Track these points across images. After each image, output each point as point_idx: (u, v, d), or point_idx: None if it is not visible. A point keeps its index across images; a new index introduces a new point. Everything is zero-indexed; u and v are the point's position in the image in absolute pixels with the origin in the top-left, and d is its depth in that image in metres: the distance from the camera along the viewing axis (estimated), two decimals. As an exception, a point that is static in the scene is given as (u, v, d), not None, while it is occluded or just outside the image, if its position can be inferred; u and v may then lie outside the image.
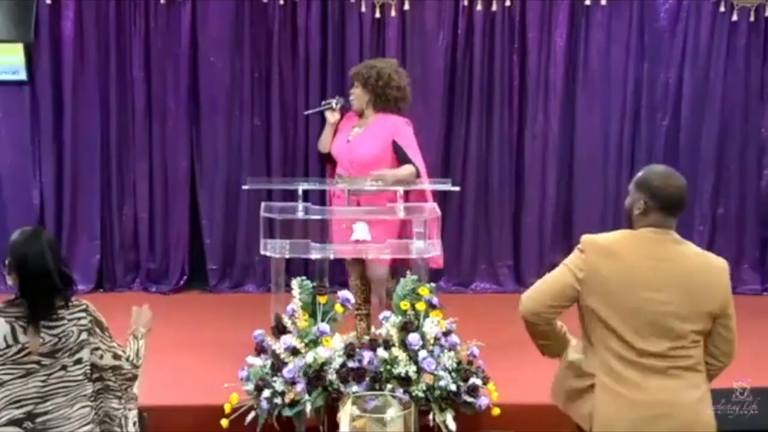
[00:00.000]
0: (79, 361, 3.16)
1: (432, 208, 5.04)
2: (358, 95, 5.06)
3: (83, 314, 3.17)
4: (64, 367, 3.14)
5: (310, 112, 5.60)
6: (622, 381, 3.05)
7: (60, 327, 3.12)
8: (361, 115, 5.11)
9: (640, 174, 3.16)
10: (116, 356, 3.29)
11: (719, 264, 3.15)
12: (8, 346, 3.08)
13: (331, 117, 5.12)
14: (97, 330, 3.22)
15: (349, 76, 5.19)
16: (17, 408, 3.10)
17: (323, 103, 5.19)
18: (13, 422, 3.10)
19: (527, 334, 3.33)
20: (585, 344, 3.18)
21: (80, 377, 3.17)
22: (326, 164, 5.31)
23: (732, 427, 3.82)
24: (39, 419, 3.11)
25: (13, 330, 3.08)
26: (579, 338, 3.27)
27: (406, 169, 4.94)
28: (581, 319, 3.17)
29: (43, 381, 3.12)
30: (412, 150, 5.02)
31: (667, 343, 3.02)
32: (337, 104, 5.12)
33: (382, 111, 5.05)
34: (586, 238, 3.14)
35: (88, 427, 3.18)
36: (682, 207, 3.11)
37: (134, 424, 3.39)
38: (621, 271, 3.04)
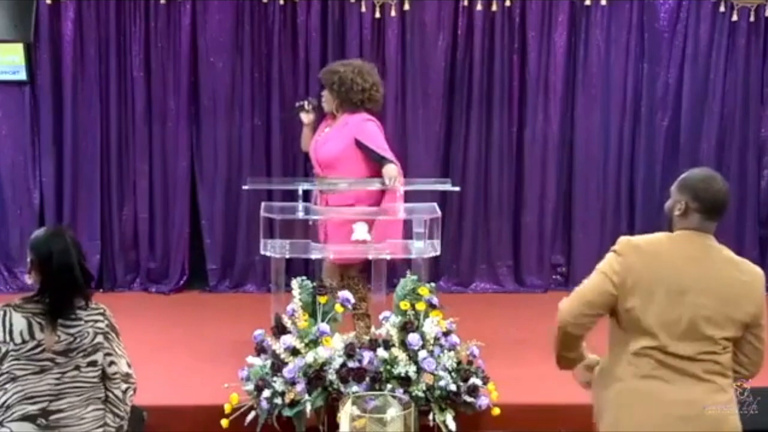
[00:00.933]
0: (93, 363, 3.17)
1: (432, 207, 5.03)
2: (327, 98, 5.10)
3: (100, 317, 3.20)
4: (77, 367, 3.15)
5: (292, 111, 5.39)
6: (651, 381, 3.00)
7: (77, 327, 3.14)
8: (333, 116, 5.14)
9: (683, 176, 3.13)
10: (129, 364, 3.31)
11: (756, 273, 3.09)
12: (24, 342, 3.10)
13: (305, 118, 5.18)
14: (113, 335, 3.24)
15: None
16: (31, 404, 3.12)
17: (297, 104, 5.22)
18: (27, 418, 3.12)
19: (551, 341, 3.21)
20: (613, 350, 3.11)
21: (94, 379, 3.19)
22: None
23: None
24: (52, 417, 3.12)
25: (30, 326, 3.10)
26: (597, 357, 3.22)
27: (392, 170, 4.91)
28: (613, 325, 3.10)
29: (56, 379, 3.13)
30: (378, 145, 4.99)
31: (699, 347, 2.98)
32: (309, 105, 5.16)
33: (350, 112, 5.05)
34: (622, 239, 3.10)
35: (100, 430, 3.19)
36: (723, 211, 3.08)
37: None
38: (661, 271, 2.99)
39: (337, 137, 5.05)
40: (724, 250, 3.09)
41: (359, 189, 4.96)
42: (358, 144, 4.97)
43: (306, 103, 5.17)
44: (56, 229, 3.27)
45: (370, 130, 5.02)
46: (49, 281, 3.13)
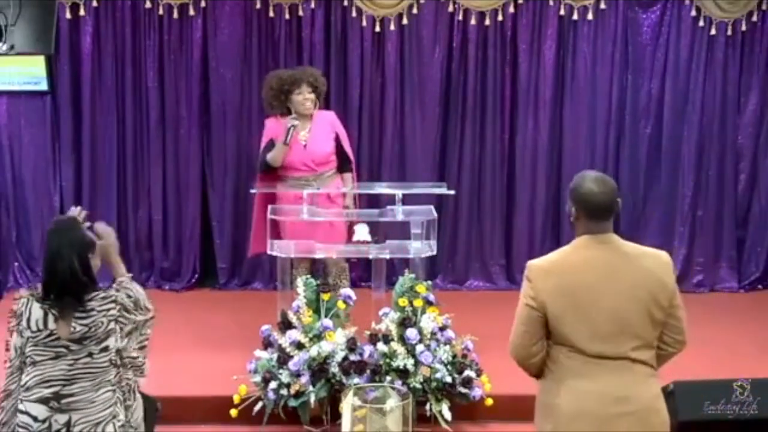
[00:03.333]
0: (105, 349, 3.16)
1: (429, 210, 5.05)
2: (312, 100, 5.22)
3: (112, 305, 3.17)
4: (90, 354, 3.14)
5: (288, 138, 5.14)
6: (581, 379, 2.95)
7: (91, 317, 3.12)
8: (282, 117, 5.23)
9: (572, 182, 3.06)
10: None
11: (662, 259, 3.03)
12: (39, 330, 3.11)
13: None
14: (125, 314, 3.21)
15: (290, 83, 5.22)
16: (46, 388, 3.13)
17: (291, 126, 5.11)
18: (42, 400, 3.13)
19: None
20: (546, 364, 3.07)
21: (105, 364, 3.17)
22: (263, 175, 5.31)
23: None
24: (64, 400, 3.13)
25: (45, 316, 3.11)
26: None
27: (350, 180, 5.38)
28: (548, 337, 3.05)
29: (70, 365, 3.13)
30: (347, 142, 5.39)
31: (623, 345, 2.93)
32: (297, 123, 5.17)
33: (319, 109, 5.33)
34: (530, 264, 3.06)
35: (110, 410, 3.18)
36: (607, 212, 2.98)
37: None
38: (567, 289, 2.95)
39: (323, 134, 5.24)
40: (625, 244, 3.02)
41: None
42: (336, 139, 5.27)
43: (296, 121, 5.14)
44: (56, 226, 3.20)
45: (343, 129, 5.41)
46: (47, 281, 3.12)
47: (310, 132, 5.20)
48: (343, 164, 5.35)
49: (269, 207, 5.11)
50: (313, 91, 5.22)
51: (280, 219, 4.96)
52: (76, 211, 3.36)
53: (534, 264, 3.05)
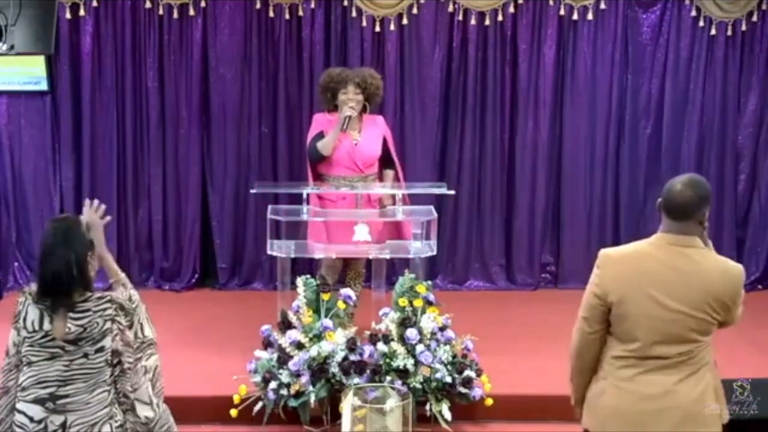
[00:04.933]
0: (101, 349, 3.14)
1: (429, 210, 5.05)
2: (358, 101, 5.11)
3: (108, 305, 3.15)
4: (85, 355, 3.12)
5: (345, 125, 5.09)
6: (628, 380, 2.97)
7: (86, 318, 3.10)
8: (330, 112, 5.19)
9: None
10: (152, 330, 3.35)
11: (730, 273, 3.03)
12: (35, 331, 3.10)
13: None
14: (122, 312, 3.19)
15: (336, 81, 5.14)
16: (42, 388, 3.12)
17: (347, 117, 5.05)
18: (38, 401, 3.12)
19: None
20: (602, 357, 3.08)
21: (101, 364, 3.15)
22: (311, 167, 5.25)
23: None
24: (60, 401, 3.12)
25: (41, 317, 3.10)
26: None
27: (391, 177, 5.32)
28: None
29: (65, 366, 3.12)
30: (393, 147, 5.33)
31: (676, 348, 2.94)
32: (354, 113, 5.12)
33: (371, 113, 5.27)
34: (601, 253, 3.08)
35: (105, 410, 3.16)
36: (685, 214, 2.98)
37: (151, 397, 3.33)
38: (633, 284, 2.95)
39: (373, 137, 5.19)
40: (701, 251, 3.01)
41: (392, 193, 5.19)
42: (384, 142, 5.21)
43: (353, 112, 5.08)
44: (51, 227, 3.18)
45: (390, 134, 5.36)
46: (40, 280, 3.11)
47: (360, 133, 5.16)
48: (387, 167, 5.32)
49: (269, 207, 5.09)
50: (361, 92, 5.10)
51: (281, 219, 4.95)
52: (91, 207, 3.37)
53: (605, 252, 3.07)
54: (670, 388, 2.94)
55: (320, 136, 5.12)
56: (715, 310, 2.96)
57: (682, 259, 2.97)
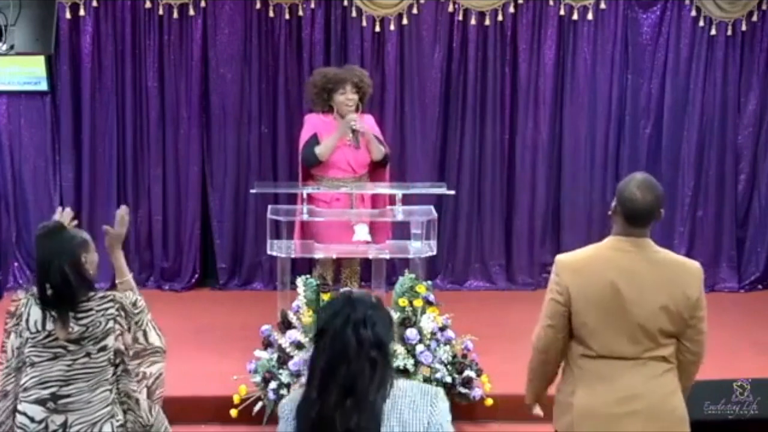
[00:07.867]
0: (103, 348, 3.14)
1: (429, 210, 5.05)
2: (355, 100, 5.12)
3: (110, 304, 3.15)
4: (88, 354, 3.12)
5: (357, 126, 5.12)
6: (596, 379, 2.97)
7: (89, 317, 3.10)
8: (326, 113, 5.17)
9: (622, 180, 3.06)
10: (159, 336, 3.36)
11: (690, 270, 3.02)
12: (38, 332, 3.10)
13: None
14: (124, 313, 3.19)
15: (334, 82, 5.12)
16: (44, 389, 3.12)
17: (354, 124, 5.06)
18: (39, 401, 3.12)
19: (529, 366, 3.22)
20: (565, 361, 3.10)
21: (104, 363, 3.15)
22: (305, 170, 5.24)
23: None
24: (61, 401, 3.12)
25: (44, 317, 3.10)
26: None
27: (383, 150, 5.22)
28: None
29: (68, 365, 3.12)
30: (377, 133, 5.30)
31: (641, 346, 2.94)
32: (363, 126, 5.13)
33: (361, 112, 5.22)
34: (557, 259, 3.06)
35: (107, 409, 3.16)
36: (644, 219, 2.96)
37: (149, 408, 3.35)
38: (592, 287, 2.95)
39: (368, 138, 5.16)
40: (658, 251, 3.00)
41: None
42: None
43: (362, 125, 5.09)
44: (42, 233, 3.16)
45: (380, 133, 5.34)
46: (41, 290, 3.10)
47: (356, 134, 5.12)
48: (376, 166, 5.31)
49: (269, 207, 5.09)
50: (357, 92, 5.10)
51: (280, 219, 4.95)
52: (60, 214, 3.37)
53: (561, 259, 3.06)
54: (639, 388, 2.94)
55: (314, 138, 5.10)
56: (678, 308, 2.95)
57: (640, 261, 2.97)
